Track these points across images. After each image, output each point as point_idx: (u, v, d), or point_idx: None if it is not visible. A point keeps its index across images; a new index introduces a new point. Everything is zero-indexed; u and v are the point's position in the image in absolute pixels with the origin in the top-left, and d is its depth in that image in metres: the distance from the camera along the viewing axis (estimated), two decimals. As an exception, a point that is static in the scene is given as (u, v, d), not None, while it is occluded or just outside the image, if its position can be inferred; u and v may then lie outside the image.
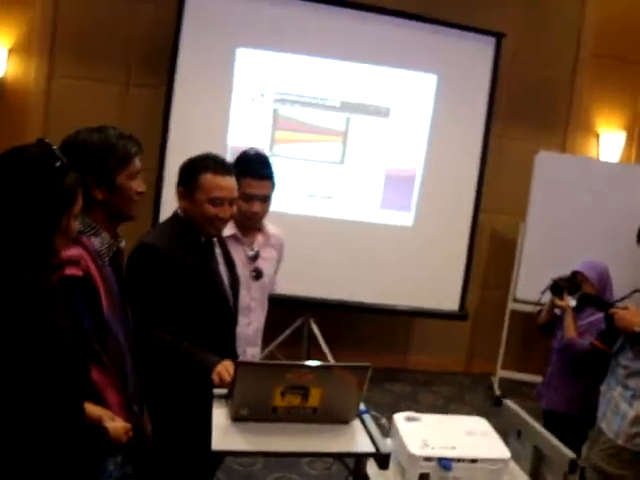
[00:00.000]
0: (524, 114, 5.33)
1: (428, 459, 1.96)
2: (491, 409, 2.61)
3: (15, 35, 4.67)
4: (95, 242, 1.86)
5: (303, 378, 1.96)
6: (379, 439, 1.97)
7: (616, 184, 4.92)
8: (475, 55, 4.92)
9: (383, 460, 1.92)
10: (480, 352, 5.57)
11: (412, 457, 1.96)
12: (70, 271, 1.72)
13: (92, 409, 1.68)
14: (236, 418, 1.98)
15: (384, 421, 2.11)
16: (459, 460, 1.97)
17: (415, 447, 1.98)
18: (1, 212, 1.49)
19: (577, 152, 5.48)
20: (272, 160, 2.79)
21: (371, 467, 2.01)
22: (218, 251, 2.48)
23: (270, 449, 1.94)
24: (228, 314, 2.43)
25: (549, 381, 3.37)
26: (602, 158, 5.49)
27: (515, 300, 5.05)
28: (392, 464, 2.00)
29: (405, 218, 4.97)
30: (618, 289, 3.22)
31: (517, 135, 5.32)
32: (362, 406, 2.12)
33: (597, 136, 5.54)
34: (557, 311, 3.35)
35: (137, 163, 1.95)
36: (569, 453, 2.05)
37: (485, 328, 5.48)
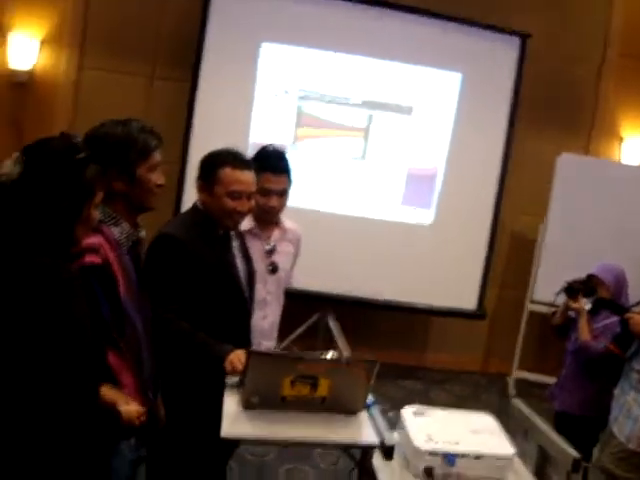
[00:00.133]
0: (548, 115, 5.30)
1: (433, 453, 1.99)
2: (502, 408, 2.63)
3: (47, 27, 4.77)
4: (115, 231, 1.92)
5: (313, 369, 2.01)
6: (384, 431, 2.01)
7: (638, 188, 4.89)
8: (500, 55, 4.90)
9: (388, 451, 1.96)
10: (497, 352, 5.57)
11: (417, 450, 2.00)
12: (90, 259, 1.78)
13: (108, 392, 1.74)
14: (247, 406, 2.04)
15: (391, 414, 2.15)
16: (463, 455, 2.00)
17: (420, 441, 2.02)
18: (25, 202, 1.55)
19: (600, 155, 5.44)
20: (293, 156, 2.83)
21: (377, 459, 2.05)
22: (236, 244, 2.52)
23: (277, 437, 1.99)
24: (243, 306, 2.48)
25: (562, 383, 3.37)
26: (624, 162, 5.45)
27: (533, 301, 5.04)
28: (398, 457, 2.05)
29: (425, 216, 4.99)
30: (636, 292, 3.22)
31: (540, 136, 5.28)
32: (370, 399, 2.16)
33: (621, 140, 5.49)
34: (572, 313, 3.35)
35: (157, 156, 2.00)
36: (573, 453, 2.08)
37: (502, 328, 5.48)
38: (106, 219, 1.90)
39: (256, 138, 4.55)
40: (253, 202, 2.44)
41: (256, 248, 2.69)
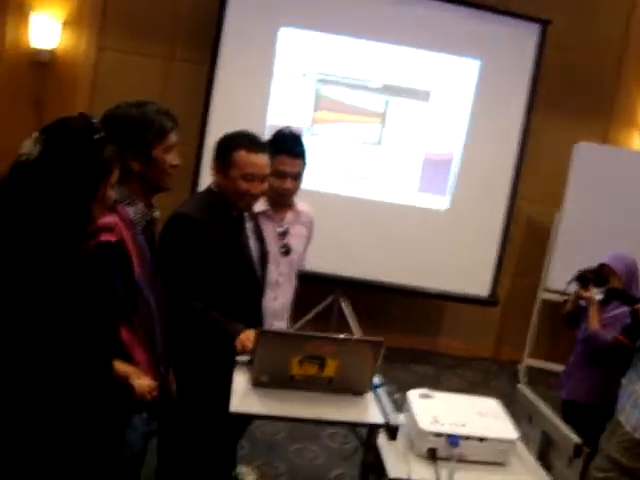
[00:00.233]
0: (566, 103, 5.26)
1: (437, 435, 2.02)
2: (512, 395, 2.66)
3: (68, 9, 4.82)
4: (130, 211, 1.97)
5: (320, 349, 2.05)
6: (389, 411, 2.05)
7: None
8: (519, 41, 4.87)
9: (392, 431, 2.00)
10: (509, 339, 5.58)
11: (421, 432, 2.03)
12: (105, 237, 1.83)
13: (121, 367, 1.79)
14: (256, 384, 2.09)
15: (397, 396, 2.19)
16: (467, 438, 2.03)
17: (425, 423, 2.05)
18: (43, 180, 1.59)
19: (618, 144, 5.39)
20: (311, 139, 2.85)
21: (382, 439, 2.09)
22: (249, 226, 2.57)
23: (284, 414, 2.04)
24: (255, 286, 2.53)
25: (570, 371, 3.39)
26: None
27: (546, 289, 5.03)
28: (403, 438, 2.08)
29: (440, 202, 5.00)
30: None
31: (557, 124, 5.25)
32: (378, 380, 2.20)
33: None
34: (582, 302, 3.36)
35: (173, 137, 2.04)
36: (575, 438, 2.10)
37: (515, 315, 5.49)
38: (122, 199, 1.95)
39: (273, 121, 4.57)
40: (266, 185, 2.48)
41: (269, 230, 2.73)
